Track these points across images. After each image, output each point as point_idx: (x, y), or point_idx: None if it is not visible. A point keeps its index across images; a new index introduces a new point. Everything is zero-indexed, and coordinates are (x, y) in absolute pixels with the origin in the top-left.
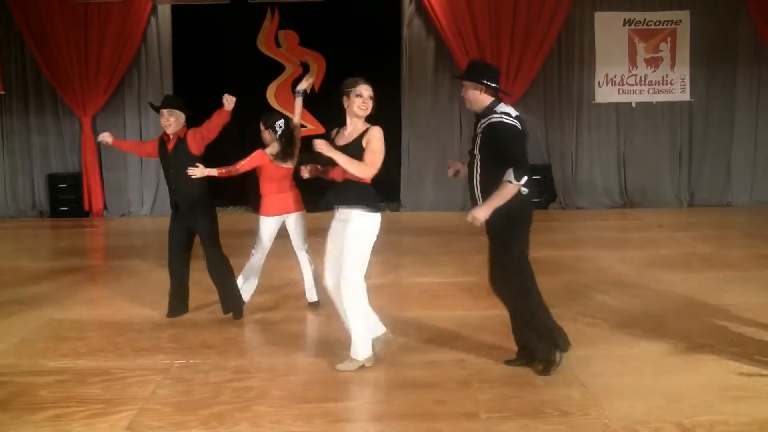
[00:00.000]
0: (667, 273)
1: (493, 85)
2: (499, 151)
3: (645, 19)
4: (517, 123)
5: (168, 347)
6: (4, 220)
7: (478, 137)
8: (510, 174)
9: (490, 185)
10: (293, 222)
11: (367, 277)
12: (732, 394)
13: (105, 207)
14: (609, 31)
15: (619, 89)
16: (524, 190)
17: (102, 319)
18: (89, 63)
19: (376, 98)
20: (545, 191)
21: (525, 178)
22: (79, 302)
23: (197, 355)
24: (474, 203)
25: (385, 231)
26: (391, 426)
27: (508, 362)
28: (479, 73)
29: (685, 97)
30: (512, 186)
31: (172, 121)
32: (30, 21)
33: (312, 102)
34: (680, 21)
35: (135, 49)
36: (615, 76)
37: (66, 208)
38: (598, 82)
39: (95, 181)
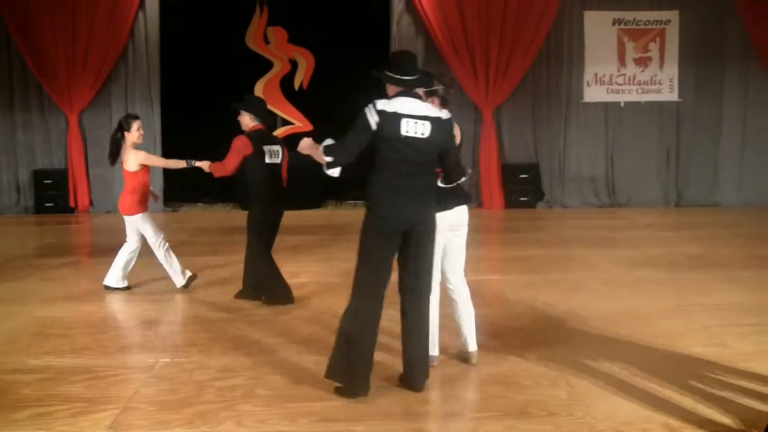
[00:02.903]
0: (654, 272)
1: (395, 75)
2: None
3: (634, 19)
4: (371, 114)
5: (152, 345)
6: None
7: None
8: (324, 144)
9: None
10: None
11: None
12: (719, 395)
13: (91, 203)
14: (598, 30)
15: (607, 89)
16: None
17: (86, 317)
18: (76, 58)
19: (364, 96)
20: (532, 190)
21: (330, 159)
22: (63, 299)
23: (182, 353)
24: None
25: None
26: (376, 425)
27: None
28: (389, 65)
29: (674, 97)
30: (320, 150)
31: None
32: (16, 15)
33: (301, 99)
34: (669, 21)
35: (122, 45)
36: (604, 76)
37: (51, 205)
38: (587, 82)
39: (81, 178)
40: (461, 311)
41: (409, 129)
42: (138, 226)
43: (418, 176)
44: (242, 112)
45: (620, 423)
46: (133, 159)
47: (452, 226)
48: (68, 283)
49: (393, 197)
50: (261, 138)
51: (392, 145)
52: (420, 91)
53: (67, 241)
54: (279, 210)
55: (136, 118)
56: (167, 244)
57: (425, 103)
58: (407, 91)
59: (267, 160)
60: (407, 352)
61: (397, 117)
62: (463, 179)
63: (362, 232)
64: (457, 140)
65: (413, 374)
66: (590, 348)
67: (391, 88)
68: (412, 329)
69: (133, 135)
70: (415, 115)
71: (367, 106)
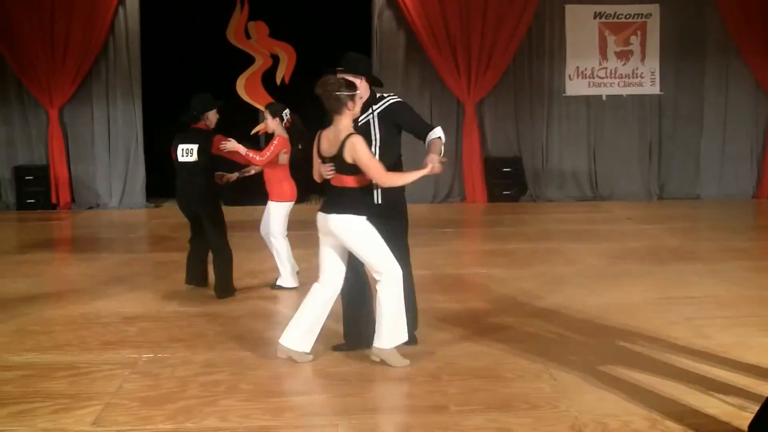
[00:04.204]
0: (636, 265)
1: (376, 77)
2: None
3: (615, 12)
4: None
5: (135, 341)
6: None
7: (375, 124)
8: (436, 134)
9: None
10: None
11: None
12: (701, 387)
13: (73, 200)
14: (579, 23)
15: (589, 82)
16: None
17: (68, 313)
18: (55, 53)
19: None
20: (515, 184)
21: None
22: (44, 296)
23: (165, 349)
24: None
25: None
26: (360, 419)
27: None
28: (362, 66)
29: (655, 90)
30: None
31: None
32: None
33: (283, 94)
34: (650, 14)
35: (102, 40)
36: (585, 69)
37: (33, 201)
38: (569, 75)
39: (63, 174)
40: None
41: None
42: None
43: None
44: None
45: (603, 416)
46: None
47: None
48: (49, 279)
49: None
50: None
51: None
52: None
53: (48, 237)
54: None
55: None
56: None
57: None
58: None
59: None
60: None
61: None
62: None
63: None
64: None
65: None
66: (573, 341)
67: (365, 88)
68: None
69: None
70: None
71: (392, 99)
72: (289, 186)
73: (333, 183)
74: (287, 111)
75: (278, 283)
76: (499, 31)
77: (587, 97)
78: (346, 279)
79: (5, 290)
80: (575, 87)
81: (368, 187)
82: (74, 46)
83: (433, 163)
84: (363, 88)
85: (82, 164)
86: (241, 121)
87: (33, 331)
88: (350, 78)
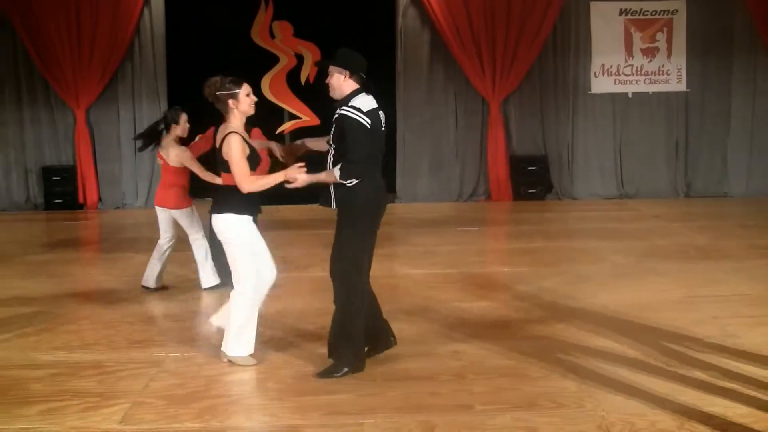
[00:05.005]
0: (663, 264)
1: (360, 74)
2: (345, 145)
3: (641, 9)
4: (363, 119)
5: (161, 340)
6: None
7: (333, 127)
8: (337, 170)
9: None
10: None
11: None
12: (728, 387)
13: (99, 199)
14: (605, 20)
15: (615, 79)
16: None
17: (95, 312)
18: (82, 54)
19: (372, 89)
20: (541, 182)
21: (353, 180)
22: (72, 295)
23: (191, 347)
24: (324, 193)
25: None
26: (385, 418)
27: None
28: (345, 60)
29: (682, 87)
30: (336, 177)
31: None
32: (22, 11)
33: (307, 93)
34: (677, 11)
35: (128, 40)
36: (611, 66)
37: (60, 201)
38: (594, 73)
39: (89, 174)
40: None
41: (383, 122)
42: (178, 219)
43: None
44: None
45: (630, 415)
46: (174, 155)
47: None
48: (77, 278)
49: (380, 187)
50: None
51: (376, 139)
52: None
53: (75, 236)
54: None
55: (184, 110)
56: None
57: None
58: (362, 87)
59: None
60: (376, 322)
61: (374, 112)
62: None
63: (351, 224)
64: None
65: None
66: (599, 340)
67: (349, 84)
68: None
69: (181, 128)
70: (377, 108)
71: (345, 111)
72: None
73: (223, 182)
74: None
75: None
76: (523, 28)
77: (613, 95)
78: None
79: (33, 289)
80: (601, 84)
81: None
82: (100, 48)
83: (293, 171)
84: (345, 84)
85: (109, 164)
86: (266, 120)
87: (61, 330)
88: (336, 71)
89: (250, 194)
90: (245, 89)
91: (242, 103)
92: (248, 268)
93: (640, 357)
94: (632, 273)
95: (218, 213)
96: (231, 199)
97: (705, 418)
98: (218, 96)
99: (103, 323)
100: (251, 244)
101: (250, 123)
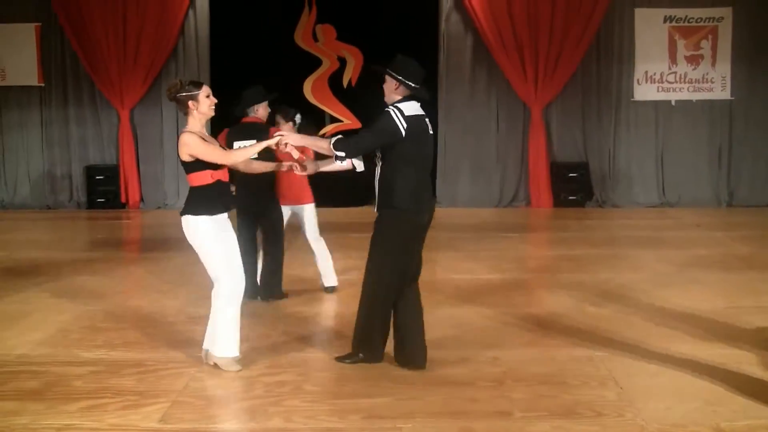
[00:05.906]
0: (704, 273)
1: (411, 84)
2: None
3: (686, 16)
4: (400, 123)
5: (201, 340)
6: (43, 210)
7: None
8: (333, 139)
9: (390, 176)
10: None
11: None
12: None
13: (141, 199)
14: (649, 27)
15: (658, 87)
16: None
17: (137, 311)
18: (127, 55)
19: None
20: (581, 189)
21: (342, 153)
22: (114, 293)
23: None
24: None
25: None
26: (423, 423)
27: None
28: (400, 68)
29: (726, 95)
30: (329, 144)
31: None
32: (69, 13)
33: (349, 96)
34: (722, 18)
35: (173, 42)
36: (654, 74)
37: (103, 200)
38: (637, 80)
39: (132, 174)
40: None
41: (429, 128)
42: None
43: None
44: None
45: (671, 425)
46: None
47: None
48: (119, 277)
49: (421, 194)
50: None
51: (420, 143)
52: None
53: (117, 236)
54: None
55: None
56: None
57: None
58: (412, 95)
59: None
60: (412, 334)
61: (419, 118)
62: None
63: (384, 237)
64: None
65: (420, 353)
66: (639, 349)
67: (400, 90)
68: (417, 312)
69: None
70: (423, 115)
71: (389, 109)
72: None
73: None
74: (299, 116)
75: (326, 284)
76: (567, 34)
77: (656, 102)
78: (405, 298)
79: (76, 287)
80: (644, 92)
81: (212, 185)
82: (145, 48)
83: (284, 138)
84: (395, 91)
85: (151, 164)
86: (307, 123)
87: (103, 328)
88: (389, 77)
89: (209, 194)
90: (205, 91)
91: (202, 104)
92: (220, 268)
93: (680, 367)
94: (673, 282)
95: (181, 216)
96: (189, 201)
97: (747, 431)
98: (178, 98)
99: (145, 322)
100: (218, 243)
101: (302, 126)
